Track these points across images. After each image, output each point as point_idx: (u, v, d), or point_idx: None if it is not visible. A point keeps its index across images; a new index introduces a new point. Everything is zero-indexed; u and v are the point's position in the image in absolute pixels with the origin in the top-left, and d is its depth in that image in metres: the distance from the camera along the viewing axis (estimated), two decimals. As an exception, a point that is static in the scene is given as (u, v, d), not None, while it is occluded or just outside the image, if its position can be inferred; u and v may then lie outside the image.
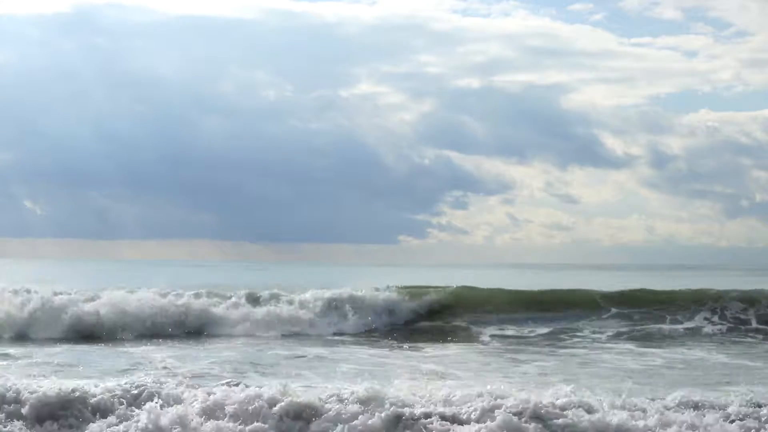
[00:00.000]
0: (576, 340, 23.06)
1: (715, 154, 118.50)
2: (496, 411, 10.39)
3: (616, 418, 10.27)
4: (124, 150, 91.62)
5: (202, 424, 10.33)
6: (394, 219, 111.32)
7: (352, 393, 10.75)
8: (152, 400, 10.65)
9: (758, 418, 10.57)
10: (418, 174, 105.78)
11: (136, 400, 10.84)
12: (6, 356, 17.80)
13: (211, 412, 10.54)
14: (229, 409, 10.54)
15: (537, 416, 10.31)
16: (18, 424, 10.52)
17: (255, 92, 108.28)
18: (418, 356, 19.24)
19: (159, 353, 18.49)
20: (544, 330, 24.37)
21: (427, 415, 10.42)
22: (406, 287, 27.22)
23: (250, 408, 10.52)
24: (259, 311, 24.50)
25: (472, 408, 10.53)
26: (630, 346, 21.71)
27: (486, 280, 36.61)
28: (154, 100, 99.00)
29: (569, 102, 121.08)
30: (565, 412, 10.32)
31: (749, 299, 26.84)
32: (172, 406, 10.58)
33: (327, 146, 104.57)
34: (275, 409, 10.53)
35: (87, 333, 22.34)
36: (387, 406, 10.48)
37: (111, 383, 11.23)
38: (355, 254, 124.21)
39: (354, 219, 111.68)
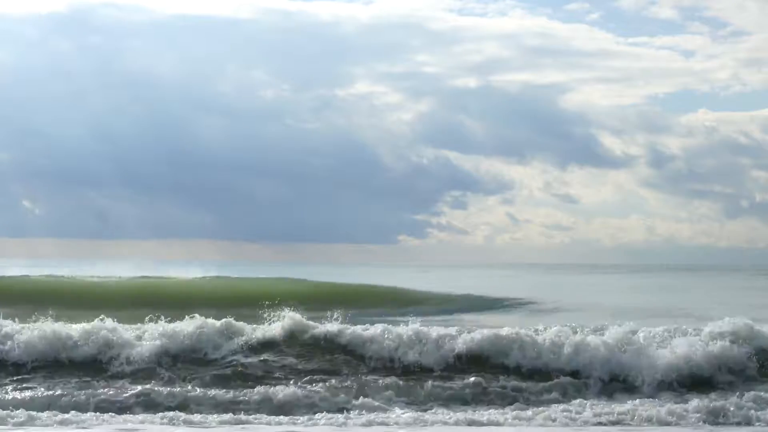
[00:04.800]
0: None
1: (714, 154, 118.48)
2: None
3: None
4: (122, 149, 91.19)
5: None
6: (394, 219, 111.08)
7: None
8: None
9: None
10: (417, 174, 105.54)
11: None
12: None
13: None
14: None
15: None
16: None
17: (252, 92, 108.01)
18: None
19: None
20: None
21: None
22: None
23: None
24: None
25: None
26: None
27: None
28: (151, 99, 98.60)
29: (567, 102, 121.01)
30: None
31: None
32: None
33: (325, 146, 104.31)
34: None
35: None
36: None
37: None
38: (355, 254, 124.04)
39: (353, 219, 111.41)
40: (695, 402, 12.82)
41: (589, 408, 12.81)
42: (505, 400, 13.51)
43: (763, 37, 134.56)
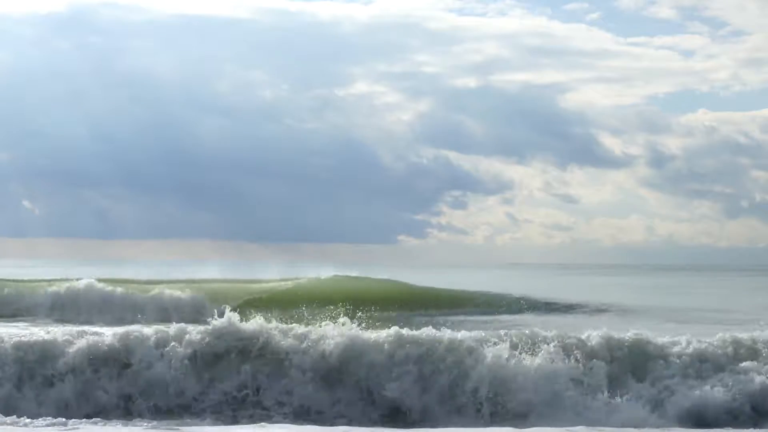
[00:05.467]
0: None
1: (714, 154, 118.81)
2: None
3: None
4: (121, 150, 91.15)
5: None
6: (394, 219, 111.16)
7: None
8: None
9: None
10: (416, 174, 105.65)
11: None
12: None
13: None
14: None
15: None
16: None
17: (251, 92, 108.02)
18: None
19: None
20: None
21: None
22: None
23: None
24: None
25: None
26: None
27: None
28: (151, 99, 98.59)
29: (567, 101, 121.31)
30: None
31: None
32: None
33: (324, 146, 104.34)
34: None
35: None
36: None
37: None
38: (355, 254, 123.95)
39: (353, 219, 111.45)
40: None
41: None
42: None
43: (763, 37, 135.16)
